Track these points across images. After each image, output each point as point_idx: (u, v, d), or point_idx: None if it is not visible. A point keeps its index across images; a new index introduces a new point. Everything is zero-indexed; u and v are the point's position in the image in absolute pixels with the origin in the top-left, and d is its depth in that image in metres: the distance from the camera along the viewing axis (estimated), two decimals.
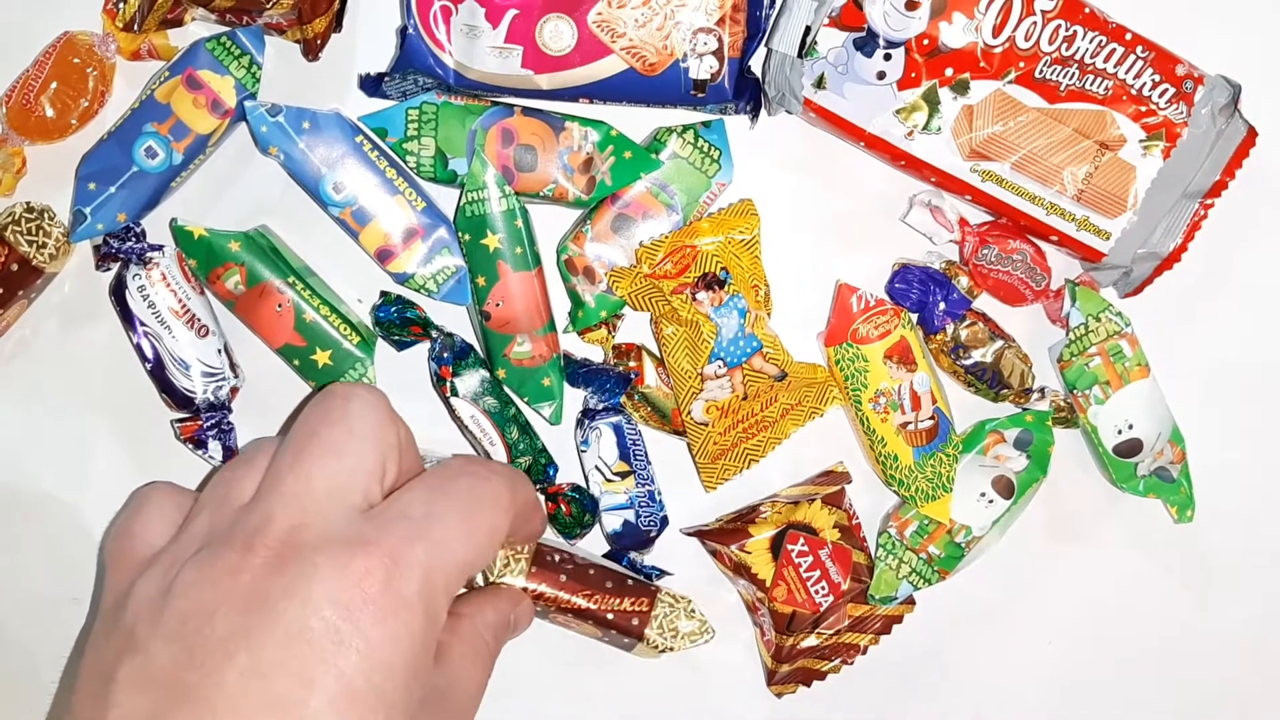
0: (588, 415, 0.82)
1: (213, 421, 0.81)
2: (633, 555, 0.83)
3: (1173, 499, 0.83)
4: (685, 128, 0.78)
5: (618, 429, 0.81)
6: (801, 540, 0.81)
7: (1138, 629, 0.87)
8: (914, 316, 0.81)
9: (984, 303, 0.82)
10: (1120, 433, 0.81)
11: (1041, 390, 0.82)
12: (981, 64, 0.73)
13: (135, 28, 0.77)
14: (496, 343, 0.79)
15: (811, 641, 0.83)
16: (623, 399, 0.82)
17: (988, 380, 0.81)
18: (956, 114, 0.74)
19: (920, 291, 0.80)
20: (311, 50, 0.77)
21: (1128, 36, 0.74)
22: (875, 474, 0.83)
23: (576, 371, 0.81)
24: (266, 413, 0.83)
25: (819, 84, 0.74)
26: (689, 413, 0.80)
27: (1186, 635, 0.87)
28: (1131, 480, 0.82)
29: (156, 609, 0.50)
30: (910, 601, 0.84)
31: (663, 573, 0.84)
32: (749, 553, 0.81)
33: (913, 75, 0.73)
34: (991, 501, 0.81)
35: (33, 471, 0.85)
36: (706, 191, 0.79)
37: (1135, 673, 0.87)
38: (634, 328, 0.83)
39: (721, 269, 0.79)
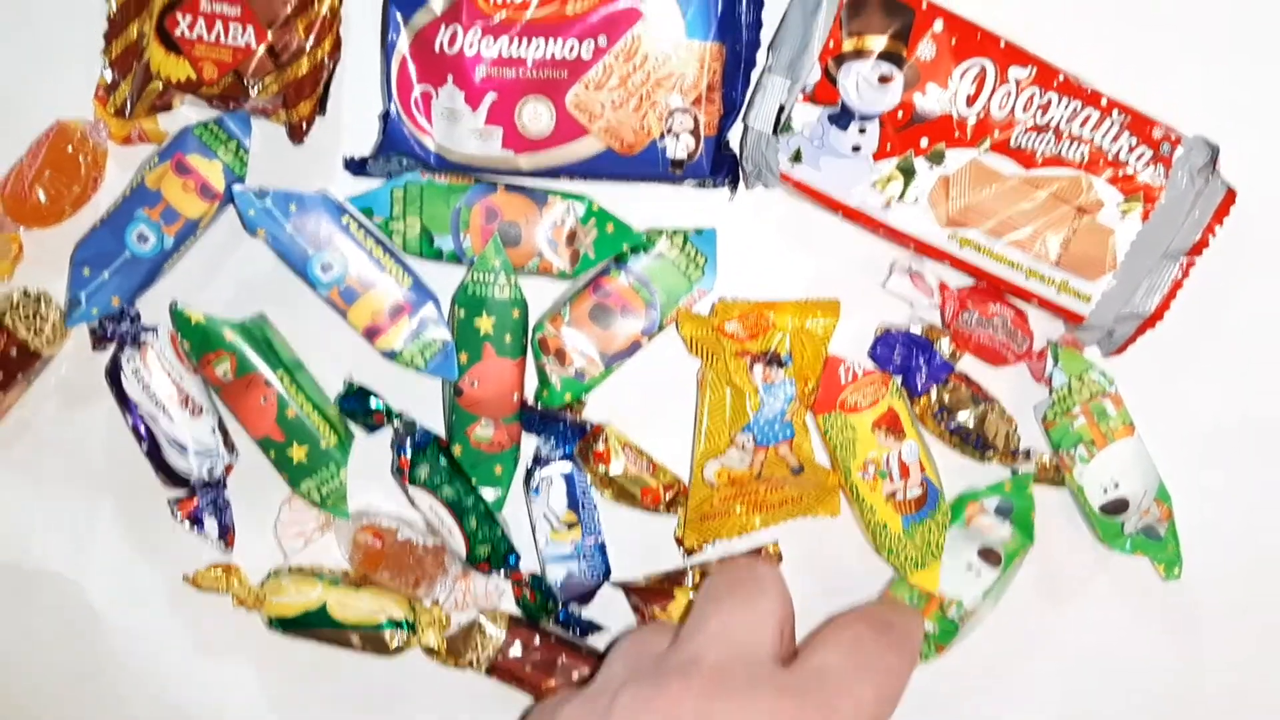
0: (539, 463, 0.83)
1: (209, 499, 0.82)
2: (571, 607, 0.84)
3: (1160, 557, 0.83)
4: (676, 231, 0.80)
5: (569, 478, 0.82)
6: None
7: (1129, 687, 0.87)
8: (898, 380, 0.82)
9: (968, 362, 0.83)
10: (1106, 491, 0.81)
11: (1027, 451, 0.83)
12: (956, 134, 0.74)
13: (126, 114, 0.79)
14: (461, 419, 0.81)
15: None
16: (590, 480, 0.83)
17: (973, 442, 0.82)
18: (933, 184, 0.75)
19: (903, 355, 0.80)
20: (297, 134, 0.79)
21: (1103, 101, 0.75)
22: (867, 541, 0.83)
23: (531, 417, 0.82)
24: (261, 488, 0.85)
25: (795, 158, 0.75)
26: (702, 470, 0.81)
27: (1178, 693, 0.87)
28: (1119, 538, 0.82)
29: None
30: None
31: (596, 627, 0.85)
32: (670, 615, 0.82)
33: (888, 147, 0.74)
34: (980, 573, 0.81)
35: (37, 550, 0.87)
36: (686, 295, 0.80)
37: None
38: (599, 409, 0.84)
39: (786, 352, 0.80)
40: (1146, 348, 0.79)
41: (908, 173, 0.74)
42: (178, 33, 0.76)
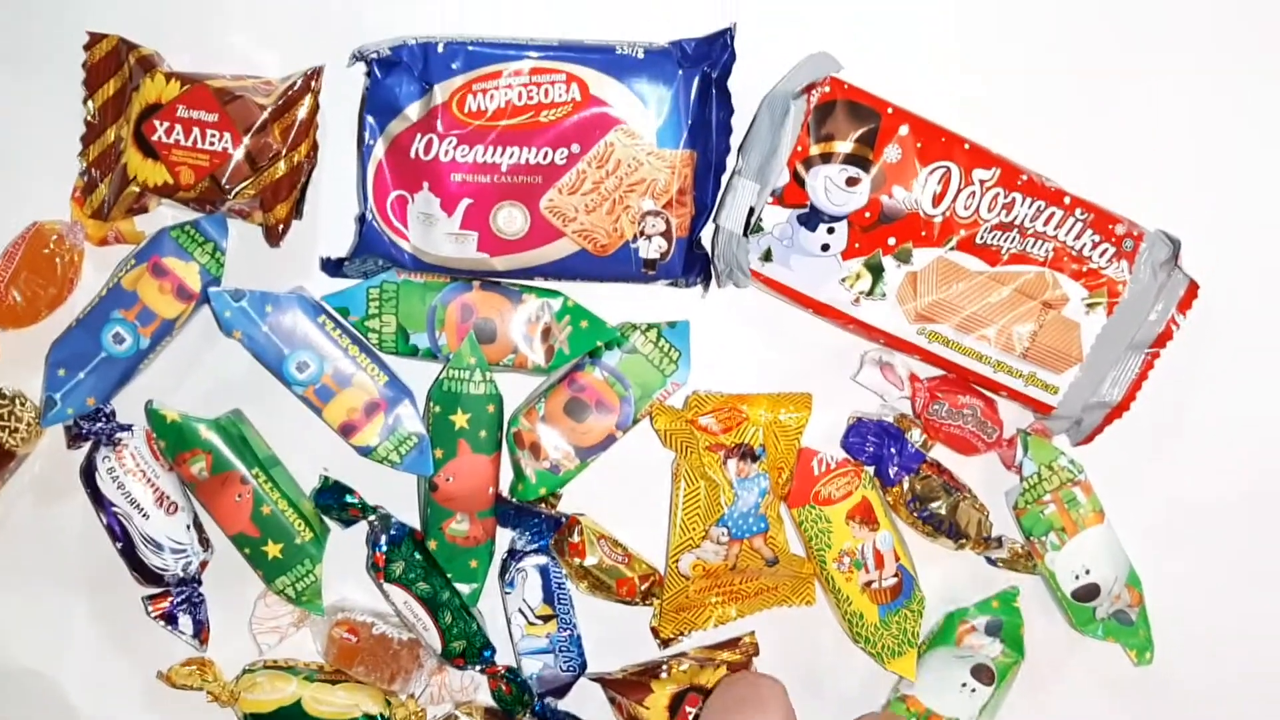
0: (514, 556, 0.83)
1: (183, 596, 0.82)
2: (547, 700, 0.84)
3: (1131, 642, 0.84)
4: (649, 326, 0.81)
5: (544, 571, 0.83)
6: (701, 704, 0.82)
7: None
8: (871, 470, 0.82)
9: (939, 449, 0.83)
10: (1077, 578, 0.82)
11: (999, 539, 0.84)
12: (923, 233, 0.75)
13: (104, 215, 0.79)
14: (436, 515, 0.81)
15: None
16: (565, 572, 0.83)
17: (945, 531, 0.82)
18: (900, 281, 0.76)
19: (875, 445, 0.81)
20: (274, 237, 0.80)
21: (1066, 200, 0.76)
22: (843, 630, 0.84)
23: (506, 511, 0.82)
24: (237, 582, 0.85)
25: (766, 257, 0.76)
26: (676, 562, 0.81)
27: None
28: (1091, 624, 0.83)
29: None
30: None
31: (573, 719, 0.86)
32: (647, 708, 0.82)
33: (856, 245, 0.75)
34: (974, 690, 0.82)
35: (11, 646, 0.87)
36: (661, 389, 0.81)
37: None
38: (574, 502, 0.85)
39: (760, 445, 0.80)
40: (1115, 435, 0.80)
41: (876, 270, 0.76)
42: (155, 138, 0.77)
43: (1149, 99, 0.81)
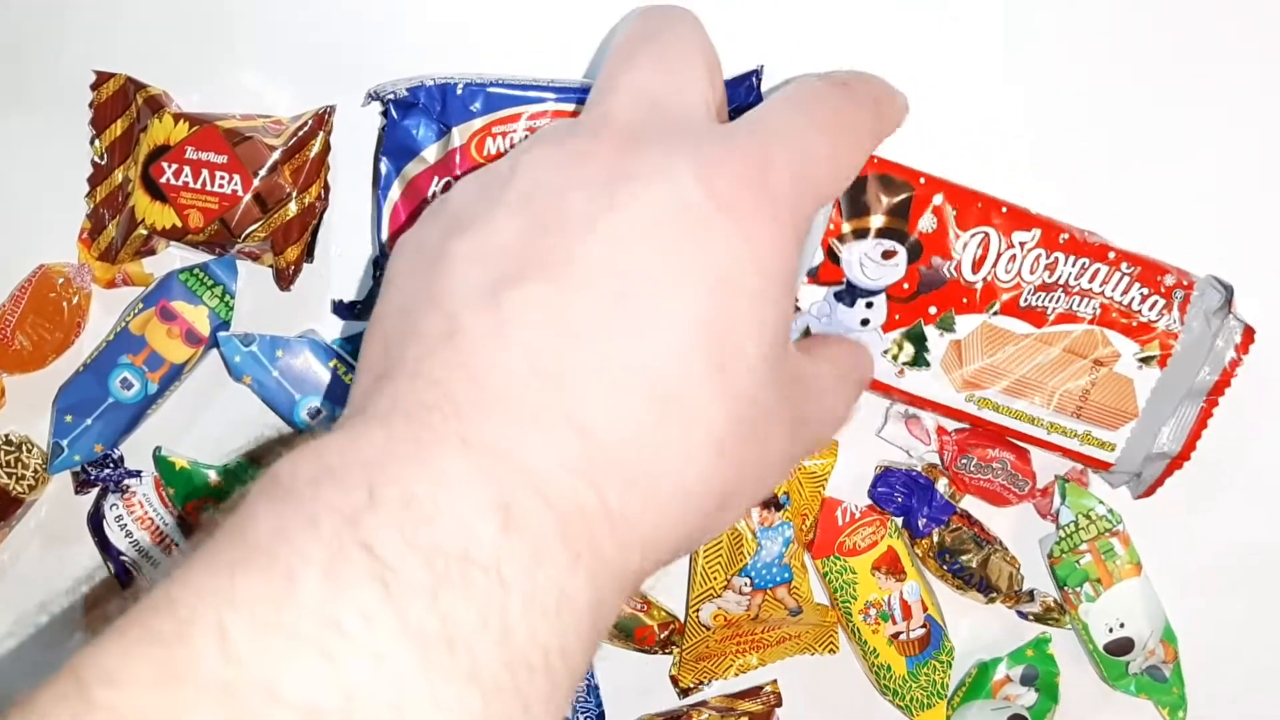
0: None
1: None
2: None
3: (1164, 700, 0.82)
4: None
5: None
6: None
7: None
8: (899, 520, 0.80)
9: (970, 499, 0.81)
10: (1111, 631, 0.80)
11: (1031, 593, 0.82)
12: (964, 300, 0.72)
13: (112, 258, 0.77)
14: None
15: None
16: None
17: (975, 584, 0.80)
18: (944, 349, 0.73)
19: (904, 495, 0.79)
20: (284, 279, 0.77)
21: (1111, 255, 0.72)
22: (869, 681, 0.83)
23: None
24: None
25: (805, 335, 0.73)
26: (697, 612, 0.80)
27: None
28: (1123, 679, 0.81)
29: (495, 189, 0.42)
30: None
31: None
32: None
33: (896, 317, 0.72)
34: None
35: (18, 693, 0.86)
36: None
37: None
38: None
39: (784, 493, 0.78)
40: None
41: (918, 340, 0.72)
42: (163, 180, 0.74)
43: (1190, 142, 0.77)
